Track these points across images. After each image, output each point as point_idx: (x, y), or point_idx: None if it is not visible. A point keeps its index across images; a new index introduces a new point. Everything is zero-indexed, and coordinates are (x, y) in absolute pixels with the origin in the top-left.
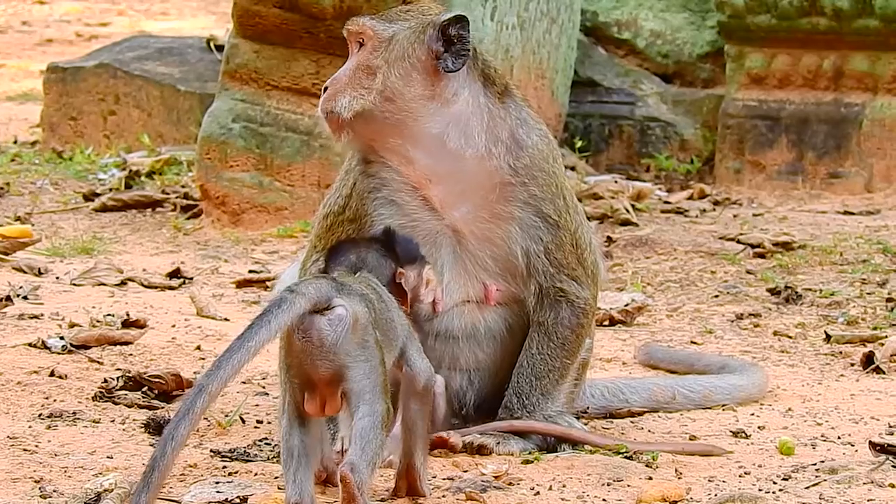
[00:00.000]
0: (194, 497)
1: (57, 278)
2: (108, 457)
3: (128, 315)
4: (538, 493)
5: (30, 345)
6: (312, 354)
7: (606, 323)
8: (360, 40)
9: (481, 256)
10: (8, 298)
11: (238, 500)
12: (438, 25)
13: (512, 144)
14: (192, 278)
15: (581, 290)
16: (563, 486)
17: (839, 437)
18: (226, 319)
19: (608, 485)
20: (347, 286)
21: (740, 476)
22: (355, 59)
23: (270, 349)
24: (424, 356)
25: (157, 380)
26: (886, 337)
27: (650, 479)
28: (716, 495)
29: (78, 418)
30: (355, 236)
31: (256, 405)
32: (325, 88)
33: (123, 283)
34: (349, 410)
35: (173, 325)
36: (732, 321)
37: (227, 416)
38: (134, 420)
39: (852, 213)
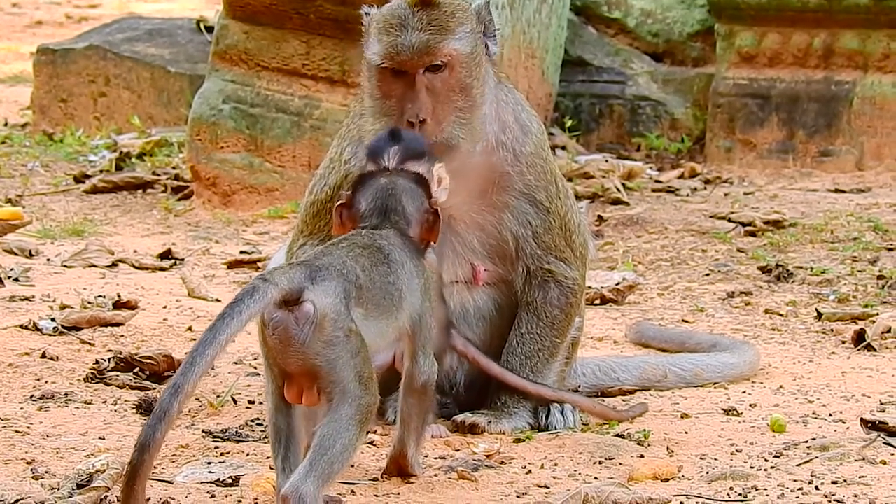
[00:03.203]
0: (186, 477)
1: (48, 260)
2: (99, 438)
3: (119, 296)
4: (530, 471)
5: (21, 326)
6: (282, 351)
7: (597, 302)
8: (437, 63)
9: (470, 239)
10: None
11: (230, 480)
12: (479, 16)
13: (517, 130)
14: (183, 259)
15: (569, 271)
16: (555, 465)
17: (830, 415)
18: (217, 300)
19: (600, 463)
20: (324, 269)
21: (732, 454)
22: (441, 83)
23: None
24: (430, 352)
25: (148, 361)
26: (877, 314)
27: (642, 457)
28: (707, 473)
29: (70, 399)
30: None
31: (248, 385)
32: (422, 122)
33: (114, 264)
34: (327, 404)
35: (164, 307)
36: (723, 299)
37: (218, 396)
38: (125, 401)
39: (843, 191)
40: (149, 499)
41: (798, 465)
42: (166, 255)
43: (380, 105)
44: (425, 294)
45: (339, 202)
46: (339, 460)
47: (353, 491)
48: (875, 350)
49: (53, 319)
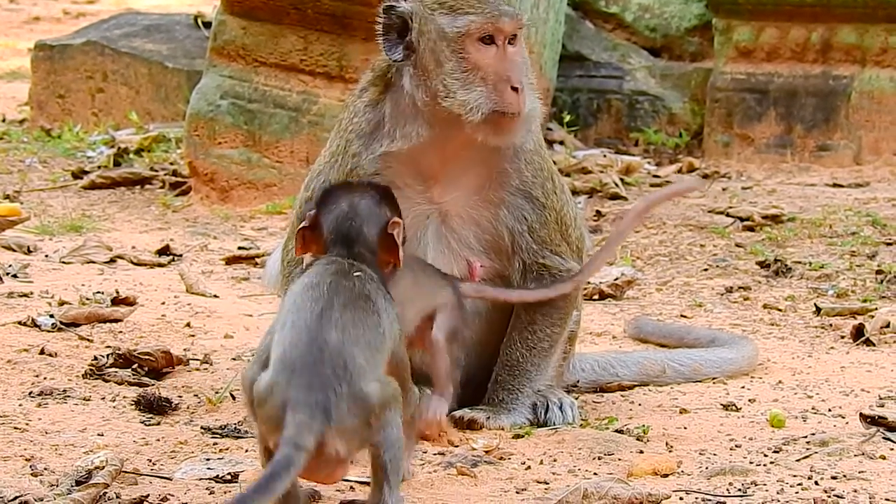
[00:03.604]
0: (185, 474)
1: (46, 256)
2: (98, 434)
3: (117, 292)
4: (529, 467)
5: (19, 323)
6: (308, 476)
7: (596, 297)
8: (519, 30)
9: (465, 235)
10: None
11: (229, 477)
12: None
13: None
14: (181, 255)
15: (565, 265)
16: (554, 461)
17: (830, 410)
18: (215, 296)
19: (599, 458)
20: (340, 399)
21: (731, 449)
22: (518, 53)
23: (260, 326)
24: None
25: (147, 357)
26: (876, 309)
27: (641, 452)
28: (707, 468)
29: (68, 396)
30: (349, 181)
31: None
32: (522, 88)
33: (113, 260)
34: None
35: (163, 303)
36: (722, 294)
37: (217, 392)
38: (124, 397)
39: (841, 186)
40: (147, 495)
41: (797, 461)
42: (164, 251)
43: (470, 77)
44: (399, 336)
45: (303, 224)
46: (401, 466)
47: (352, 487)
48: (874, 345)
49: (52, 316)
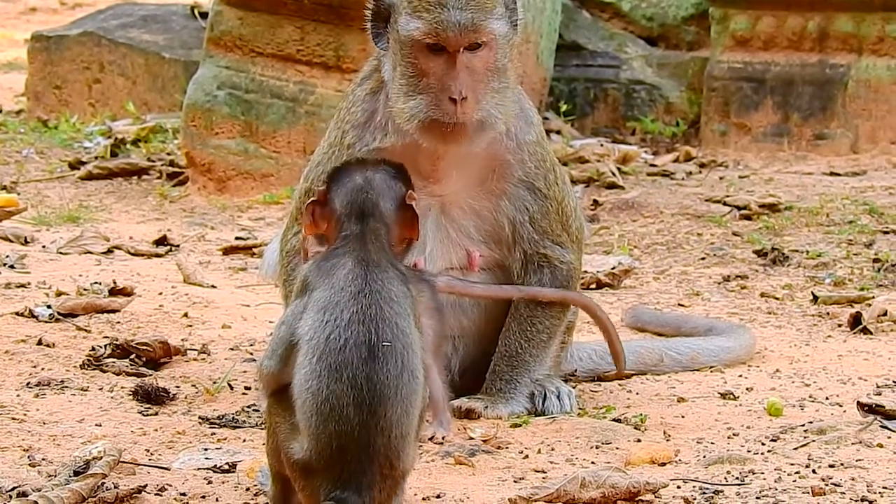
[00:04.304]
0: (183, 464)
1: (43, 247)
2: (96, 425)
3: (115, 283)
4: (527, 456)
5: (17, 314)
6: None
7: (594, 286)
8: (480, 41)
9: (465, 225)
10: None
11: (227, 467)
12: (505, 1)
13: (521, 119)
14: (178, 246)
15: (565, 255)
16: (552, 450)
17: (827, 398)
18: (213, 286)
19: (597, 447)
20: (371, 455)
21: (729, 437)
22: (480, 62)
23: (257, 315)
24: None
25: (144, 347)
26: (873, 297)
27: (638, 441)
28: (704, 457)
29: (66, 386)
30: (362, 157)
31: (244, 372)
32: (463, 99)
33: (110, 251)
34: None
35: (160, 293)
36: (719, 283)
37: (215, 382)
38: (122, 388)
39: (838, 175)
40: (145, 485)
41: (795, 449)
42: (162, 241)
43: (415, 83)
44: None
45: (312, 199)
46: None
47: None
48: (871, 333)
49: (49, 306)
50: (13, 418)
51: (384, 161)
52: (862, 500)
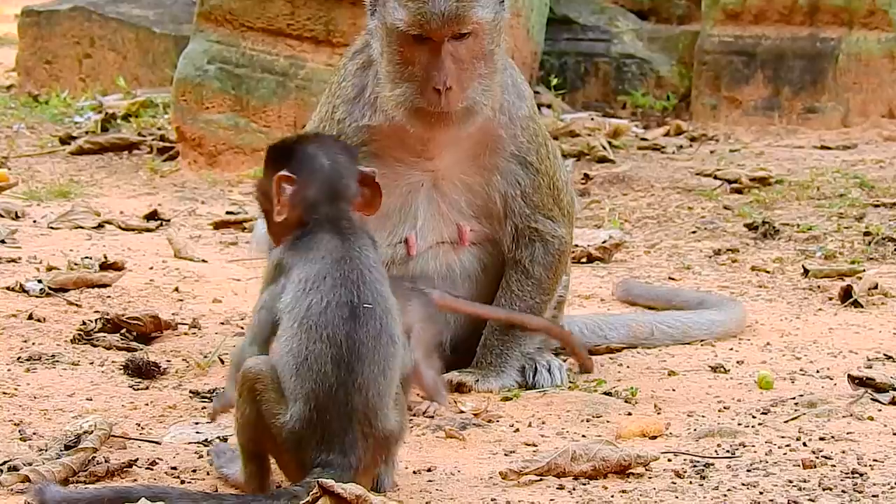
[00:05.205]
0: (174, 438)
1: (34, 222)
2: (87, 399)
3: (105, 257)
4: (517, 429)
5: (8, 288)
6: None
7: (584, 260)
8: (464, 31)
9: (457, 200)
10: None
11: (217, 441)
12: None
13: (514, 94)
14: (169, 220)
15: (556, 229)
16: (543, 423)
17: (818, 371)
18: (203, 261)
19: (587, 421)
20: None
21: (719, 411)
22: (466, 50)
23: (248, 289)
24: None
25: (135, 322)
26: (864, 271)
27: (629, 414)
28: (695, 430)
29: (57, 361)
30: (313, 134)
31: (234, 346)
32: (448, 89)
33: (101, 225)
34: None
35: (151, 267)
36: (710, 257)
37: (205, 356)
38: (113, 362)
39: (829, 148)
40: (136, 459)
41: (786, 422)
42: (152, 216)
43: (400, 71)
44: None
45: (287, 190)
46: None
47: None
48: (862, 306)
49: (40, 281)
50: (4, 392)
51: (336, 139)
52: (852, 473)
